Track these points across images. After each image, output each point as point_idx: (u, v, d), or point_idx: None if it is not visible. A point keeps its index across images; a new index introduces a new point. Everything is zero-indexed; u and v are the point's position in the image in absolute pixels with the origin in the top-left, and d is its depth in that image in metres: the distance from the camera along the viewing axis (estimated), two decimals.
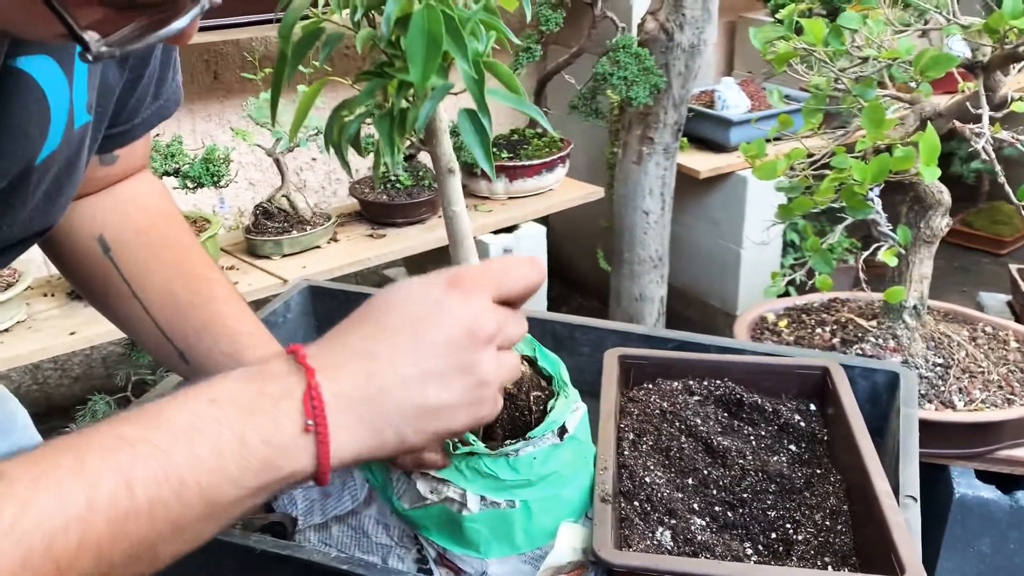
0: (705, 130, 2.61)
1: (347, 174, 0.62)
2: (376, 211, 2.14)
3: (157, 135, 1.79)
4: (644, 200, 2.40)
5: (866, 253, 1.30)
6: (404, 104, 0.58)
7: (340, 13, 0.57)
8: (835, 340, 1.43)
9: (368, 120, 0.61)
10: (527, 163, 2.26)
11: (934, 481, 1.41)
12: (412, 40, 0.55)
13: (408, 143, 0.64)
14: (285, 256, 2.01)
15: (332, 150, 0.62)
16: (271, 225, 2.02)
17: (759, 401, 0.89)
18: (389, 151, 0.59)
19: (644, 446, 0.83)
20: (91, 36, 0.45)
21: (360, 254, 2.03)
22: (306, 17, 0.60)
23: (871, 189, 1.14)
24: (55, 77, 0.59)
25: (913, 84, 1.12)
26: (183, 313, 0.79)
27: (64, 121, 0.62)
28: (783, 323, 1.52)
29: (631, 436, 0.83)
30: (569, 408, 0.73)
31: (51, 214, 0.68)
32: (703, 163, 2.56)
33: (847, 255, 3.07)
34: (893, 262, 1.20)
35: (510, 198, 2.29)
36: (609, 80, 2.14)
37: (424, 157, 2.28)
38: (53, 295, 1.89)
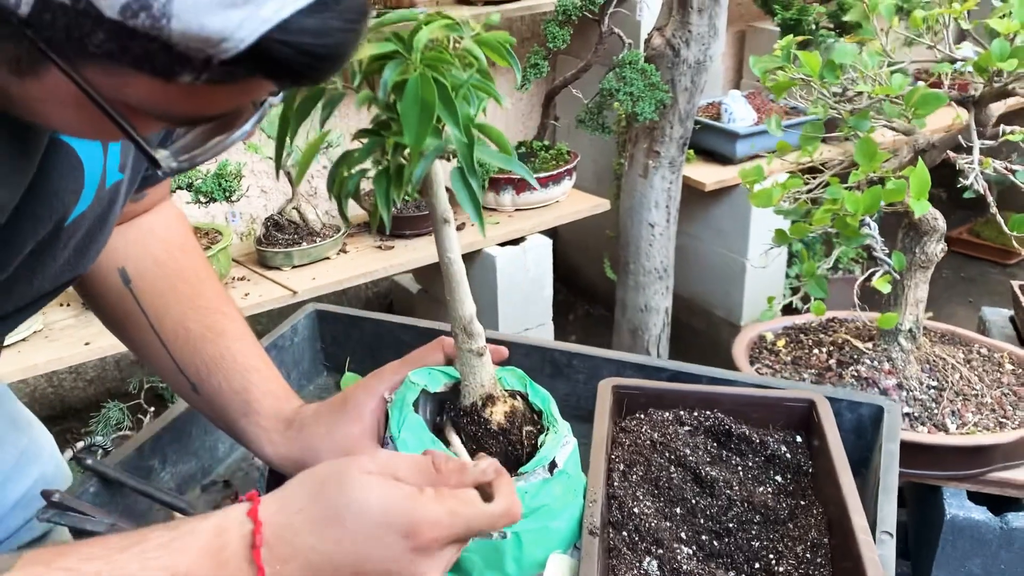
0: (711, 142, 2.63)
1: (344, 224, 0.65)
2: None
3: None
4: (650, 213, 2.43)
5: (861, 278, 1.33)
6: (400, 162, 0.62)
7: (339, 77, 0.61)
8: (831, 361, 1.46)
9: (368, 175, 0.65)
10: (534, 176, 2.29)
11: (926, 502, 1.44)
12: (407, 106, 0.58)
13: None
14: (295, 267, 2.05)
15: (334, 201, 0.65)
16: (281, 237, 2.06)
17: (747, 432, 0.91)
18: (385, 207, 0.62)
19: (634, 476, 0.86)
20: (161, 155, 0.49)
21: (368, 266, 2.07)
22: None
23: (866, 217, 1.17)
24: (91, 144, 0.63)
25: (905, 120, 1.15)
26: (196, 347, 0.83)
27: (96, 183, 0.65)
28: (781, 343, 1.55)
29: (621, 467, 0.87)
30: (559, 443, 0.76)
31: (81, 266, 0.71)
32: (709, 175, 2.58)
33: (853, 265, 3.09)
34: (886, 289, 1.23)
35: (517, 210, 2.32)
36: (615, 95, 2.17)
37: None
38: (69, 305, 1.93)
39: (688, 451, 0.90)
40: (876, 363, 1.42)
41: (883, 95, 1.13)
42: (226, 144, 0.50)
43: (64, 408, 2.75)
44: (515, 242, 2.23)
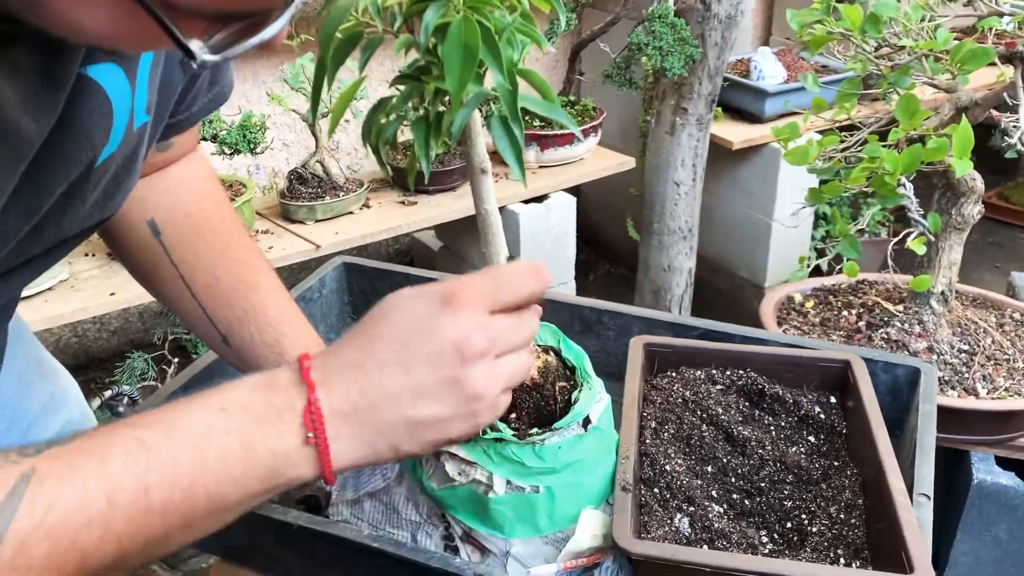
0: (740, 100, 2.59)
1: (384, 172, 0.64)
2: (407, 178, 2.15)
3: None
4: (676, 171, 2.40)
5: (895, 240, 1.30)
6: (440, 109, 0.60)
7: (379, 20, 0.59)
8: (861, 324, 1.44)
9: (405, 123, 0.63)
10: (559, 132, 2.26)
11: (954, 466, 1.43)
12: (449, 50, 0.56)
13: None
14: (318, 221, 2.04)
15: (371, 150, 0.64)
16: (305, 190, 2.04)
17: (780, 392, 0.90)
18: (424, 155, 0.61)
19: (666, 434, 0.86)
20: (195, 44, 0.48)
21: (391, 221, 2.06)
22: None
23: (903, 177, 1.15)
24: (120, 84, 0.62)
25: (949, 76, 1.12)
26: (227, 299, 0.83)
27: (125, 124, 0.64)
28: (809, 304, 1.53)
29: (653, 424, 0.86)
30: (593, 399, 0.76)
31: (109, 208, 0.71)
32: (737, 134, 2.55)
33: (879, 228, 3.05)
34: (921, 251, 1.21)
35: (541, 167, 2.29)
36: (644, 50, 2.13)
37: None
38: (94, 255, 1.93)
39: (720, 410, 0.89)
40: (907, 326, 1.40)
41: (927, 50, 1.10)
42: (254, 42, 0.49)
43: (88, 358, 2.77)
44: (539, 199, 2.21)
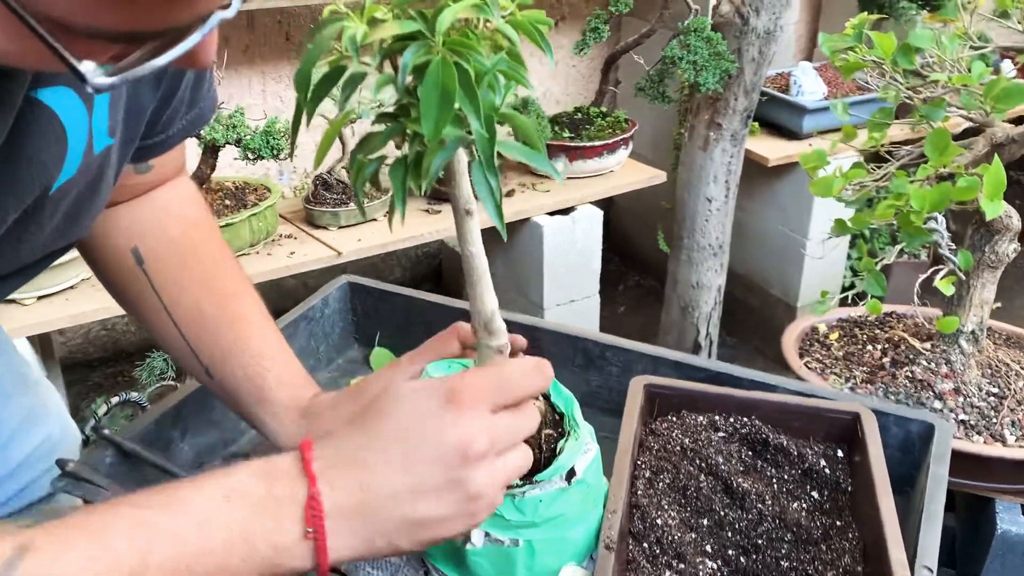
0: (777, 115, 2.53)
1: (360, 214, 0.62)
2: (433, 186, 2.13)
3: (222, 103, 1.81)
4: (708, 187, 2.35)
5: (923, 276, 1.25)
6: (419, 149, 0.57)
7: (355, 56, 0.56)
8: (885, 360, 1.39)
9: (387, 162, 0.60)
10: (588, 144, 2.23)
11: (977, 512, 1.37)
12: (426, 93, 0.53)
13: None
14: (342, 228, 2.03)
15: (354, 191, 0.61)
16: (329, 196, 2.03)
17: (785, 443, 0.86)
18: (401, 199, 0.58)
19: (660, 484, 0.82)
20: (87, 67, 0.44)
21: (415, 229, 2.04)
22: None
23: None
24: (74, 107, 0.60)
25: (983, 112, 1.07)
26: (210, 331, 0.81)
27: (83, 149, 0.62)
28: (834, 336, 1.48)
29: (648, 473, 0.82)
30: (579, 450, 0.72)
31: (73, 234, 0.69)
32: (773, 150, 2.49)
33: (919, 250, 2.97)
34: (949, 291, 1.16)
35: (569, 178, 2.26)
36: (678, 64, 2.09)
37: None
38: None
39: (720, 459, 0.85)
40: (933, 365, 1.35)
41: (960, 84, 1.05)
42: (162, 63, 0.45)
43: (116, 351, 2.79)
44: (564, 212, 2.18)
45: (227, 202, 1.90)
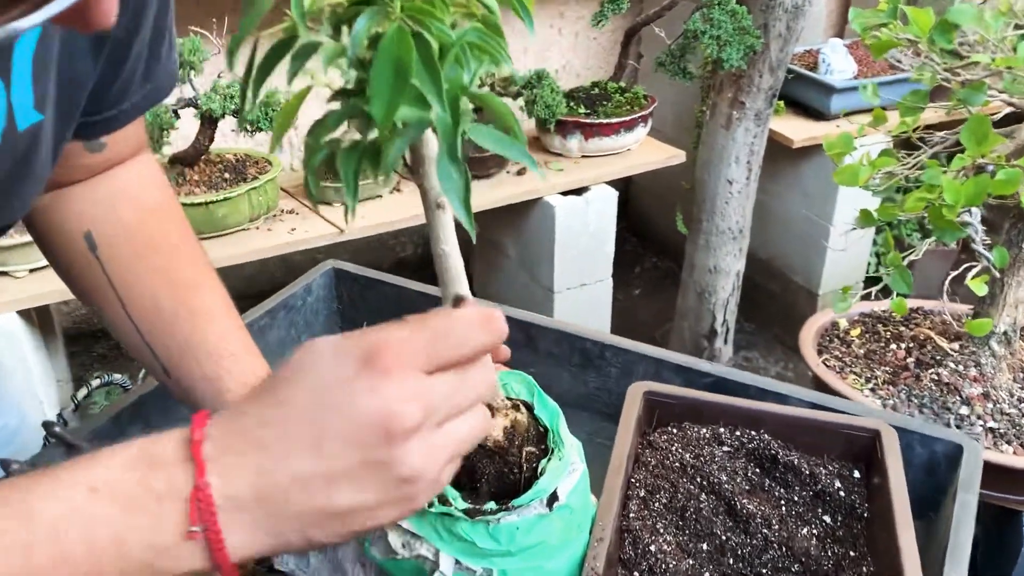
0: (804, 94, 2.43)
1: (312, 200, 0.54)
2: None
3: (219, 74, 1.74)
4: (729, 168, 2.25)
5: (954, 274, 1.16)
6: (376, 136, 0.50)
7: (302, 24, 0.49)
8: (909, 360, 1.30)
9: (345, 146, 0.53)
10: (605, 121, 2.13)
11: (1004, 525, 1.29)
12: (378, 70, 0.46)
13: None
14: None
15: (305, 183, 0.54)
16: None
17: (796, 460, 0.79)
18: (351, 192, 0.50)
19: (656, 504, 0.75)
20: None
21: (420, 208, 1.95)
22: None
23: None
24: None
25: None
26: (167, 326, 0.74)
27: (2, 126, 0.55)
28: (855, 332, 1.40)
29: (642, 492, 0.75)
30: (564, 471, 0.65)
31: (5, 215, 0.62)
32: (799, 131, 2.38)
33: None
34: (982, 291, 1.07)
35: (584, 157, 2.17)
36: (700, 39, 1.99)
37: None
38: None
39: (724, 477, 0.77)
40: (961, 367, 1.26)
41: (1004, 67, 0.95)
42: (30, 23, 0.37)
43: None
44: (578, 192, 2.09)
45: (226, 175, 1.83)
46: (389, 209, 1.96)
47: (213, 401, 0.73)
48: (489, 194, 2.02)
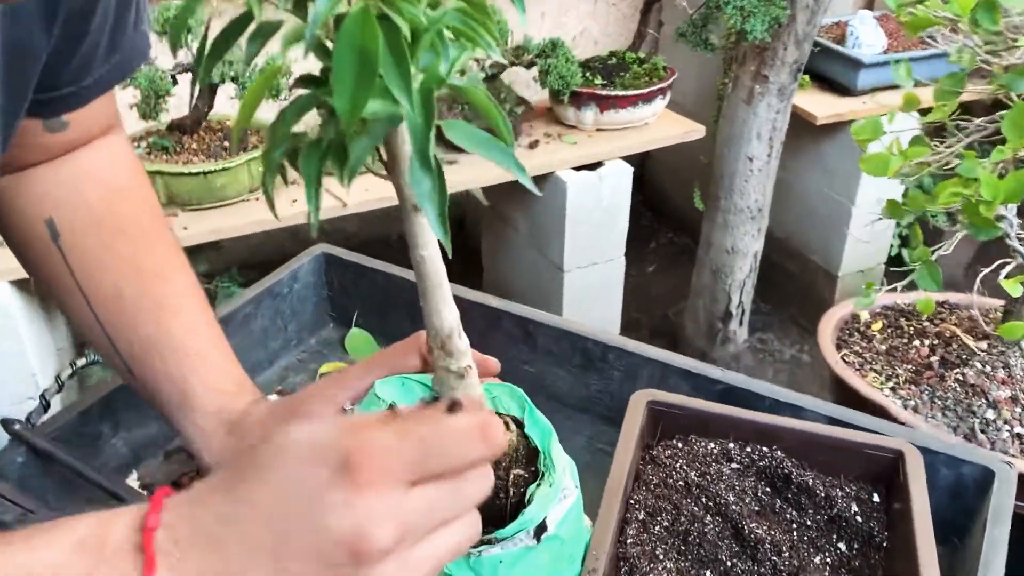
0: (830, 68, 2.33)
1: (272, 211, 0.48)
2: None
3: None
4: (750, 144, 2.17)
5: (985, 271, 1.09)
6: (343, 132, 0.43)
7: (257, 3, 0.42)
8: (933, 358, 1.23)
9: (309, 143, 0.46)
10: (621, 93, 2.05)
11: None
12: (340, 58, 0.39)
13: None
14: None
15: (263, 185, 0.48)
16: None
17: (811, 481, 0.72)
18: (312, 197, 0.44)
19: (657, 527, 0.69)
20: None
21: None
22: None
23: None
24: None
25: None
26: (131, 321, 0.68)
27: None
28: (877, 326, 1.33)
29: (642, 515, 0.69)
30: (554, 498, 0.59)
31: None
32: (823, 106, 2.29)
33: None
34: (1017, 292, 1.00)
35: (599, 130, 2.09)
36: (723, 8, 1.90)
37: (507, 76, 2.10)
38: None
39: (732, 497, 0.71)
40: (988, 368, 1.19)
41: None
42: None
43: None
44: (591, 167, 2.01)
45: (226, 143, 1.76)
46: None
47: (178, 403, 0.67)
48: (497, 170, 1.95)
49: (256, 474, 0.43)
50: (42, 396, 0.98)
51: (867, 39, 2.25)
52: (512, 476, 0.60)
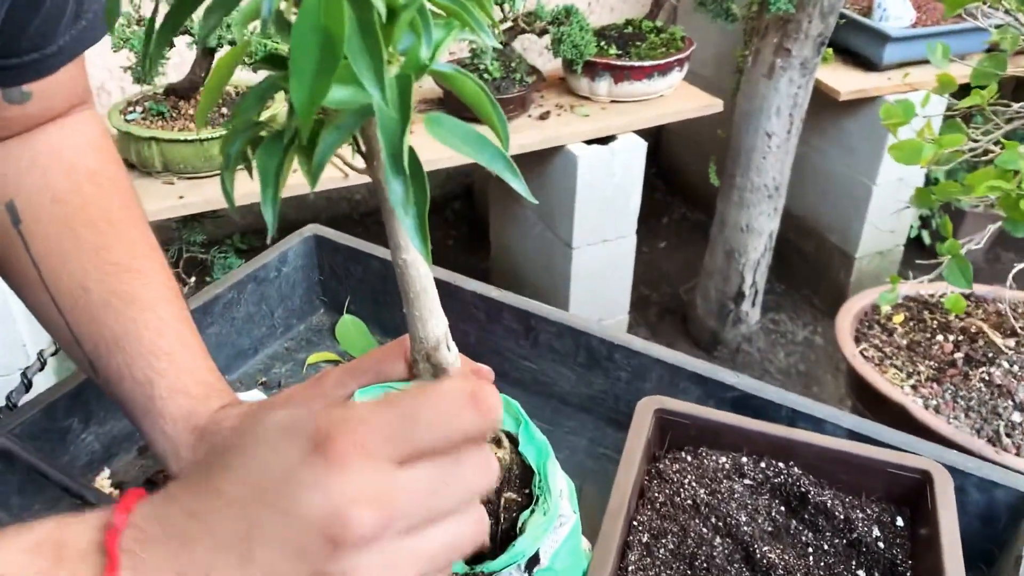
0: (855, 42, 2.24)
1: (231, 208, 0.42)
2: (458, 103, 1.90)
3: None
4: (769, 120, 2.09)
5: (1019, 266, 1.03)
6: (303, 125, 0.37)
7: None
8: (958, 356, 1.17)
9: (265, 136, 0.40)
10: (637, 63, 1.97)
11: None
12: (299, 39, 0.33)
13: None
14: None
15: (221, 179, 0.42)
16: None
17: (830, 502, 0.67)
18: (270, 195, 0.38)
19: (661, 551, 0.64)
20: None
21: (434, 153, 1.82)
22: None
23: None
24: None
25: None
26: (96, 316, 0.63)
27: None
28: (898, 319, 1.26)
29: (645, 538, 0.64)
30: (548, 527, 0.54)
31: None
32: (846, 81, 2.21)
33: None
34: None
35: (612, 102, 2.02)
36: None
37: (519, 44, 2.02)
38: None
39: (744, 518, 0.66)
40: (1016, 368, 1.13)
41: None
42: None
43: None
44: (603, 141, 1.94)
45: (224, 110, 1.70)
46: None
47: (143, 407, 0.62)
48: (513, 140, 1.88)
49: (224, 464, 0.39)
50: (23, 374, 0.93)
51: (895, 11, 2.16)
52: (504, 499, 0.54)
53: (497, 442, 0.56)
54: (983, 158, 1.03)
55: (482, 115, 0.38)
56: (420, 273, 0.47)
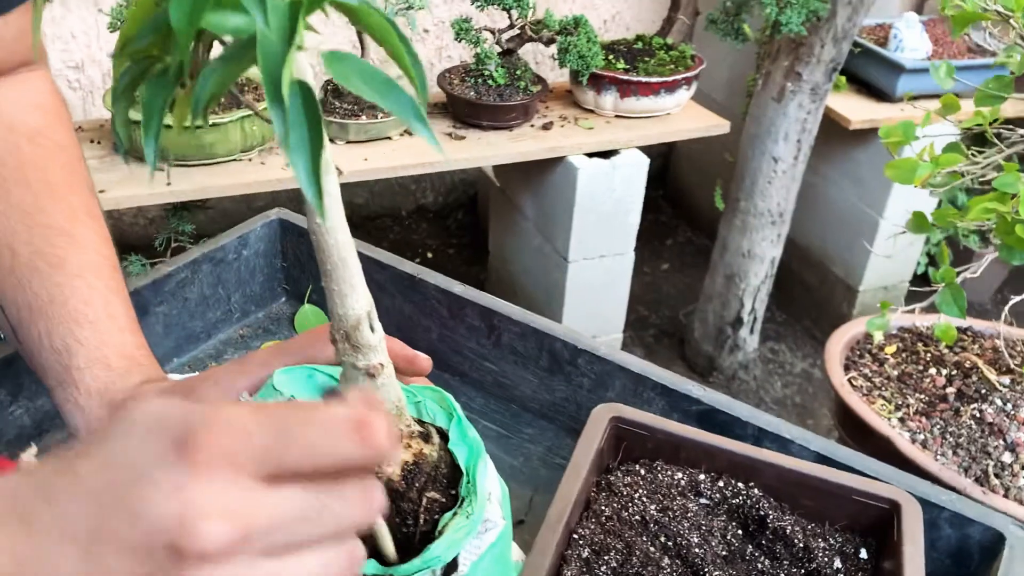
0: (869, 71, 2.21)
1: (120, 149, 0.38)
2: (461, 108, 1.88)
3: None
4: (776, 145, 2.05)
5: (1015, 299, 0.98)
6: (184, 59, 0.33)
7: None
8: (949, 390, 1.13)
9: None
10: (644, 79, 1.94)
11: None
12: None
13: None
14: (349, 143, 1.80)
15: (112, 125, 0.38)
16: (340, 106, 1.80)
17: (789, 528, 0.62)
18: (149, 136, 0.34)
19: (602, 567, 0.59)
20: None
21: (430, 155, 1.79)
22: None
23: None
24: None
25: None
26: (22, 280, 0.59)
27: None
28: (891, 349, 1.22)
29: (585, 553, 0.59)
30: (471, 531, 0.49)
31: None
32: (858, 111, 2.17)
33: None
34: None
35: (617, 116, 1.98)
36: None
37: (524, 52, 1.99)
38: (99, 143, 1.74)
39: (696, 539, 0.61)
40: (1009, 406, 1.08)
41: None
42: None
43: (121, 244, 2.63)
44: (606, 155, 1.91)
45: (221, 98, 1.67)
46: (399, 153, 1.80)
47: (60, 380, 0.58)
48: (509, 147, 1.85)
49: (90, 450, 0.35)
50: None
51: (911, 43, 2.13)
52: (426, 500, 0.50)
53: (426, 437, 0.52)
54: (986, 185, 0.99)
55: (393, 55, 0.34)
56: (338, 241, 0.44)
